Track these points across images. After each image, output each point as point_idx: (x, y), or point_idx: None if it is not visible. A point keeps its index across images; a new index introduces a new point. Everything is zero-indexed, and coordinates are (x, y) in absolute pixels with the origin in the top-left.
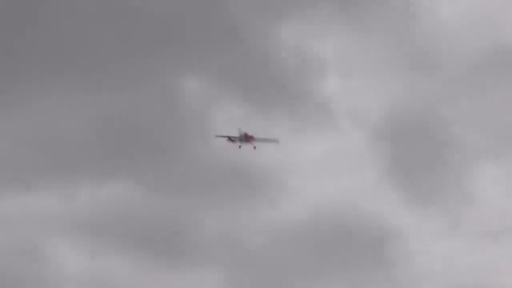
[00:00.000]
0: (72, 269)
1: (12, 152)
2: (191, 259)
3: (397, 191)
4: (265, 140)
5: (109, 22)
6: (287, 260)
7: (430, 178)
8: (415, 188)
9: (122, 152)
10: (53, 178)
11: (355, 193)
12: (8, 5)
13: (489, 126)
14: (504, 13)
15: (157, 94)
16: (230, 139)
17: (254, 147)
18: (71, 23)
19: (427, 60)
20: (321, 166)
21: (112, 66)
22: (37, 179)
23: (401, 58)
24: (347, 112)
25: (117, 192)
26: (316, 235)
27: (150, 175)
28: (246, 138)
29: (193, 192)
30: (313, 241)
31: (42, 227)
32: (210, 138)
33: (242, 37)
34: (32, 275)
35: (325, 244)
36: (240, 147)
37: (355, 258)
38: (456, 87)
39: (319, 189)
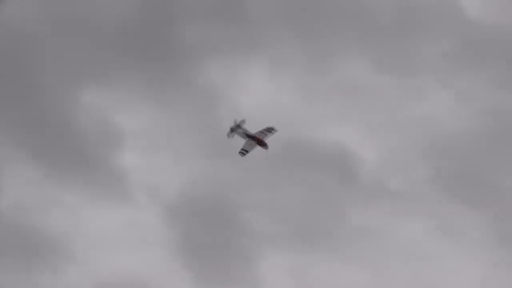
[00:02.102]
0: None
1: None
2: None
3: (187, 270)
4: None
5: None
6: None
7: (220, 260)
8: (204, 269)
9: None
10: None
11: (144, 269)
12: None
13: (280, 216)
14: (302, 108)
15: None
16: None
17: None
18: None
19: (227, 146)
20: (112, 238)
21: None
22: None
23: (202, 141)
24: (143, 186)
25: None
26: None
27: None
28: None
29: None
30: None
31: None
32: None
33: (42, 96)
34: None
35: None
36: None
37: None
38: (251, 175)
39: (108, 262)
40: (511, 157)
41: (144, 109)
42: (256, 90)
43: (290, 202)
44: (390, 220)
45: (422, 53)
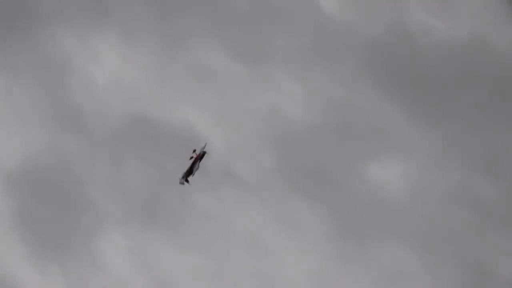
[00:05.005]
0: None
1: None
2: None
3: (24, 244)
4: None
5: None
6: None
7: (58, 236)
8: (42, 244)
9: None
10: None
11: None
12: None
13: (122, 194)
14: (152, 86)
15: None
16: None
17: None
18: None
19: (73, 118)
20: None
21: None
22: None
23: (50, 112)
24: None
25: None
26: None
27: None
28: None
29: None
30: None
31: None
32: None
33: None
34: None
35: None
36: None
37: None
38: (96, 151)
39: None
40: (355, 152)
41: None
42: (106, 62)
43: (134, 180)
44: (233, 207)
45: (276, 44)
